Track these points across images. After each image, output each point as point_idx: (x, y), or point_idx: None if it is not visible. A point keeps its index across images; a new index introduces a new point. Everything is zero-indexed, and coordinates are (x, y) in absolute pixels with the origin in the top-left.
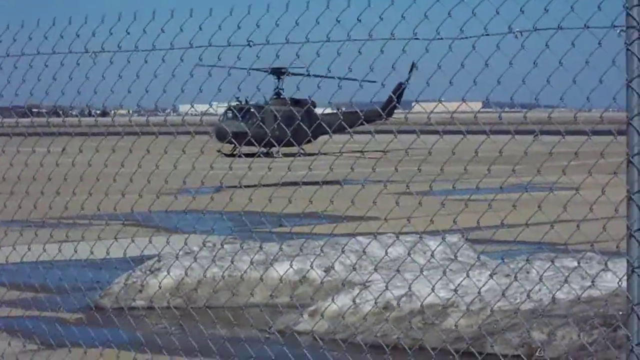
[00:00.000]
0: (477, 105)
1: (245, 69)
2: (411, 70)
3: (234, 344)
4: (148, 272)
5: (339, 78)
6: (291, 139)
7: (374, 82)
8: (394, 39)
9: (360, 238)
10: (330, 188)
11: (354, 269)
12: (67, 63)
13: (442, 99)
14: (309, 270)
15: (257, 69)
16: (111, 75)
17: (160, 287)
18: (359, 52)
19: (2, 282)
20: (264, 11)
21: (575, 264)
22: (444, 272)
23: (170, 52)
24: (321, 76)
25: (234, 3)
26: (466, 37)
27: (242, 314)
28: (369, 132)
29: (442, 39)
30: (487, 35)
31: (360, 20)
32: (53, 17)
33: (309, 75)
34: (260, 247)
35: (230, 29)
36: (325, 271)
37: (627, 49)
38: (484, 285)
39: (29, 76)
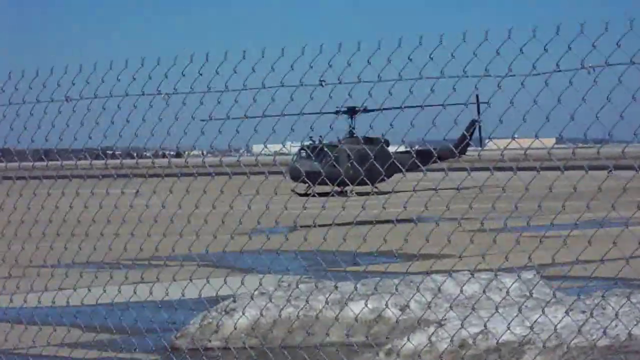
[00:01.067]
0: (550, 142)
1: (321, 111)
2: (478, 107)
3: None
4: (223, 312)
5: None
6: (365, 178)
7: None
8: (467, 76)
9: (435, 276)
10: (404, 226)
11: (429, 307)
12: (140, 105)
13: (516, 136)
14: (384, 309)
15: (332, 112)
16: (185, 116)
17: (235, 328)
18: (431, 90)
19: (78, 324)
20: (336, 50)
21: None
22: (520, 309)
23: (243, 93)
24: (393, 107)
25: (306, 42)
26: (538, 74)
27: (317, 354)
28: (443, 170)
29: (514, 75)
30: (559, 71)
31: (432, 59)
32: (125, 59)
33: (381, 109)
34: (335, 287)
35: (303, 69)
36: (400, 310)
37: None
38: (560, 322)
39: (102, 119)
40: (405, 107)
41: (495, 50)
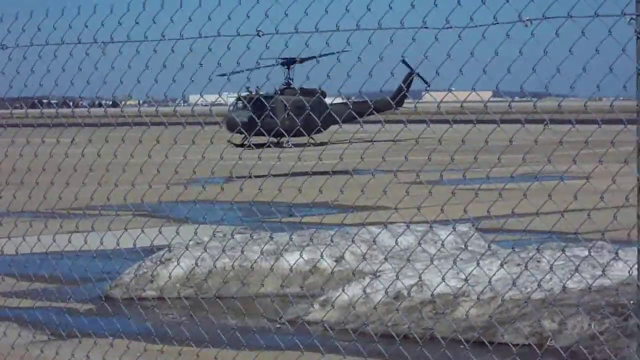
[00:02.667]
0: (487, 95)
1: (262, 61)
2: (406, 63)
3: (244, 334)
4: (158, 262)
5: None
6: (301, 129)
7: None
8: (404, 28)
9: (370, 228)
10: (340, 178)
11: (365, 258)
12: (76, 54)
13: (452, 89)
14: (319, 260)
15: (267, 66)
16: (120, 65)
17: (170, 278)
18: (369, 41)
19: (12, 273)
20: (273, 1)
21: (586, 253)
22: (455, 262)
23: (180, 42)
24: (328, 53)
25: None
26: (476, 26)
27: (252, 304)
28: (379, 122)
29: (451, 27)
30: (497, 23)
31: (369, 9)
32: (62, 7)
33: (317, 56)
34: (271, 237)
35: (240, 18)
36: (335, 261)
37: (637, 37)
38: (494, 275)
39: (38, 67)
40: (340, 54)
41: (433, 2)
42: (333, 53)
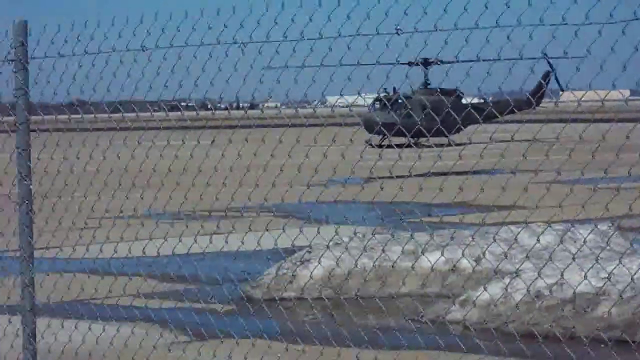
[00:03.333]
0: (626, 92)
1: (392, 63)
2: (547, 60)
3: (385, 333)
4: (299, 262)
5: (486, 60)
6: (440, 128)
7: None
8: (543, 25)
9: (510, 227)
10: (480, 177)
11: (505, 257)
12: (215, 54)
13: (592, 86)
14: (459, 260)
15: (404, 63)
16: (259, 66)
17: (311, 278)
18: (508, 38)
19: (154, 274)
20: (412, 0)
21: None
22: (596, 260)
23: (319, 42)
24: (469, 60)
25: None
26: (615, 22)
27: (392, 304)
28: (519, 121)
29: (591, 23)
30: (638, 19)
31: (508, 6)
32: (200, 8)
33: (457, 61)
34: (411, 237)
35: (380, 17)
36: (475, 260)
37: None
38: (636, 273)
39: (178, 68)
40: (482, 59)
41: None
42: (472, 60)
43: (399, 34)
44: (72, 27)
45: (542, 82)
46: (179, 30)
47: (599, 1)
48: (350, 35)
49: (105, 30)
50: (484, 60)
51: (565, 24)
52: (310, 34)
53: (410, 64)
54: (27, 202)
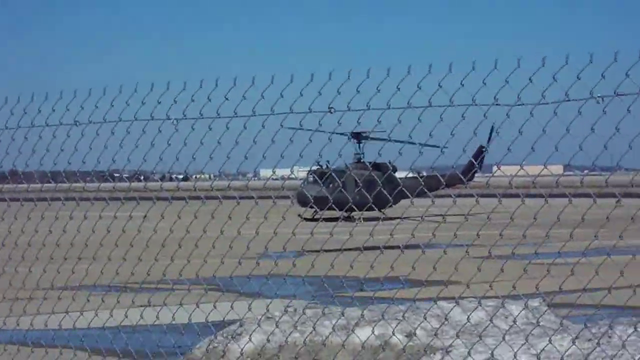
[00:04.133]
0: (558, 169)
1: (327, 132)
2: (491, 134)
3: None
4: (230, 337)
5: (420, 144)
6: (372, 204)
7: (439, 147)
8: (475, 104)
9: (442, 303)
10: (412, 253)
11: (436, 334)
12: (149, 130)
13: (524, 163)
14: (391, 336)
15: (339, 133)
16: (193, 141)
17: (242, 353)
18: (441, 118)
19: (84, 347)
20: (345, 78)
21: None
22: (526, 338)
23: (253, 119)
24: (402, 141)
25: (314, 70)
26: (547, 103)
27: None
28: (450, 196)
29: (523, 104)
30: (569, 100)
31: (441, 86)
32: (135, 84)
33: (389, 140)
34: (342, 313)
35: (312, 95)
36: (407, 336)
37: None
38: (566, 351)
39: (111, 142)
40: (410, 142)
41: (504, 79)
42: (406, 141)
43: (332, 112)
44: (5, 101)
45: (473, 160)
46: (112, 106)
47: (531, 82)
48: (283, 113)
49: (39, 105)
50: (410, 143)
51: (498, 104)
52: (244, 112)
53: (342, 134)
54: None
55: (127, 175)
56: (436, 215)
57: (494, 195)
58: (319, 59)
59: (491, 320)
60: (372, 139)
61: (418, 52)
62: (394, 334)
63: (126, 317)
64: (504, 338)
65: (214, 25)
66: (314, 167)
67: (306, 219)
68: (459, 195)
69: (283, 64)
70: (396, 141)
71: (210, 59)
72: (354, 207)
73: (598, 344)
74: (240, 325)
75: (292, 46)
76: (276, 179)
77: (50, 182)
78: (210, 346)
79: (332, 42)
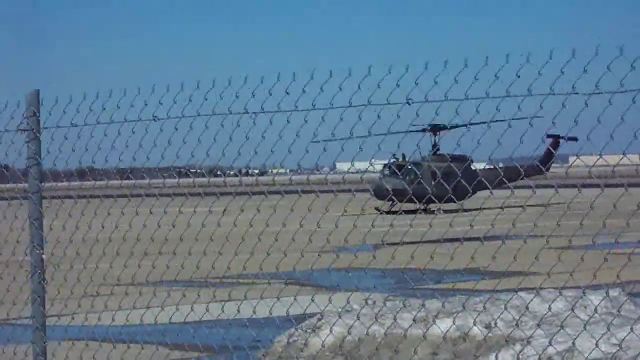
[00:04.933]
0: (637, 158)
1: (402, 132)
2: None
3: None
4: (310, 330)
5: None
6: (451, 195)
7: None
8: (553, 94)
9: (522, 294)
10: (491, 244)
11: (516, 324)
12: (227, 124)
13: (602, 153)
14: (471, 327)
15: (417, 127)
16: (271, 135)
17: (322, 346)
18: (519, 107)
19: (165, 342)
20: (422, 69)
21: None
22: (607, 327)
23: (330, 111)
24: (480, 122)
25: (392, 62)
26: (625, 91)
27: None
28: (530, 187)
29: (601, 92)
30: None
31: (519, 76)
32: (212, 78)
33: (468, 128)
34: (422, 304)
35: (390, 86)
36: (486, 327)
37: None
38: None
39: (190, 137)
40: (491, 121)
41: (582, 68)
42: (485, 122)
43: (410, 104)
44: (84, 97)
45: (551, 149)
46: (190, 101)
47: (609, 70)
48: (360, 105)
49: (117, 101)
50: (492, 122)
51: (576, 93)
52: (321, 104)
53: (421, 130)
54: (39, 271)
55: (205, 171)
56: (516, 206)
57: (573, 185)
58: (395, 52)
59: (572, 310)
60: (449, 127)
61: (494, 43)
62: (475, 324)
63: (207, 311)
64: (584, 328)
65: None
66: (392, 160)
67: (384, 212)
68: (538, 186)
69: (359, 56)
70: (473, 124)
71: (287, 51)
72: (432, 198)
73: None
74: (321, 318)
75: (368, 39)
76: (354, 172)
77: (129, 179)
78: (291, 339)
79: (411, 34)
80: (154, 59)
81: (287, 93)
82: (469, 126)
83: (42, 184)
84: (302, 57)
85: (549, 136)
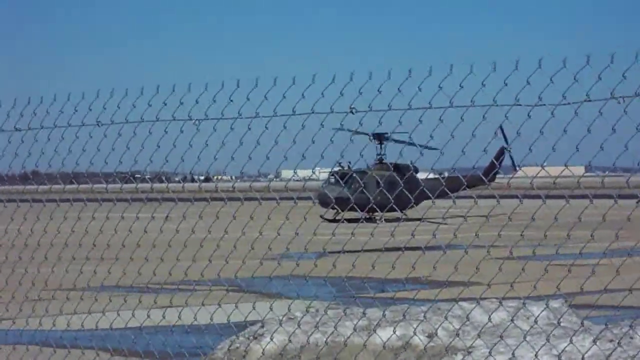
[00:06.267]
0: (579, 170)
1: (350, 130)
2: (503, 134)
3: None
4: (251, 337)
5: (436, 149)
6: (394, 205)
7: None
8: (497, 105)
9: (463, 303)
10: (433, 253)
11: (457, 334)
12: (171, 130)
13: (545, 164)
14: (412, 336)
15: (361, 133)
16: (215, 142)
17: (263, 353)
18: (462, 118)
19: (106, 347)
20: (366, 78)
21: None
22: (548, 338)
23: (274, 119)
24: (422, 146)
25: (336, 70)
26: (568, 103)
27: None
28: (472, 197)
29: (544, 105)
30: (589, 100)
31: (462, 87)
32: (156, 84)
33: (412, 143)
34: (364, 313)
35: (333, 96)
36: (428, 337)
37: None
38: (587, 351)
39: (133, 143)
40: (428, 146)
41: (525, 79)
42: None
43: (353, 113)
44: (28, 102)
45: (495, 161)
46: (134, 107)
47: (552, 82)
48: (304, 114)
49: (61, 106)
50: (435, 148)
51: (519, 104)
52: (265, 112)
53: (365, 134)
54: None
55: (149, 176)
56: (457, 216)
57: (515, 196)
58: (340, 60)
59: (512, 321)
60: (395, 140)
61: (438, 52)
62: (415, 334)
63: (148, 317)
64: (525, 338)
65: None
66: (336, 168)
67: (327, 220)
68: (480, 196)
69: (306, 64)
70: (417, 145)
71: (232, 59)
72: (375, 207)
73: (619, 344)
74: (262, 326)
75: (316, 47)
76: (298, 180)
77: (72, 183)
78: (232, 346)
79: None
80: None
81: (231, 100)
82: (410, 137)
83: None
84: (246, 64)
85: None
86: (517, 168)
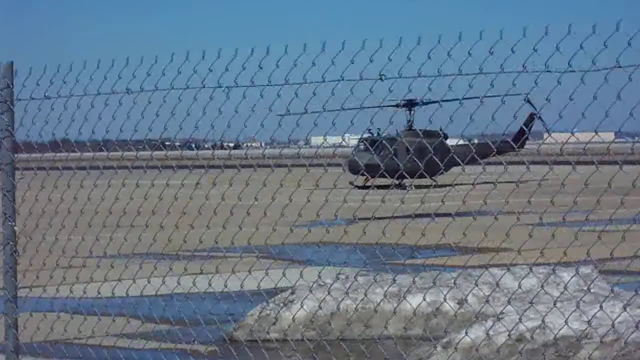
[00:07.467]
0: (609, 136)
1: (376, 106)
2: (530, 102)
3: None
4: (282, 304)
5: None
6: (423, 171)
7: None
8: (526, 71)
9: (493, 270)
10: (463, 220)
11: (487, 301)
12: (201, 98)
13: (575, 130)
14: (442, 303)
15: (389, 105)
16: (244, 109)
17: (293, 320)
18: (491, 84)
19: (137, 315)
20: (396, 45)
21: None
22: (578, 304)
23: (304, 86)
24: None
25: (366, 36)
26: (598, 70)
27: (375, 347)
28: (502, 164)
29: (574, 71)
30: (620, 67)
31: (492, 53)
32: (186, 51)
33: (441, 104)
34: (394, 280)
35: (363, 62)
36: (458, 303)
37: None
38: (617, 317)
39: (163, 111)
40: (464, 98)
41: (555, 45)
42: (457, 99)
43: (382, 80)
44: (58, 70)
45: (524, 127)
46: (164, 74)
47: (582, 49)
48: (334, 80)
49: (91, 73)
50: (463, 99)
51: (549, 71)
52: (295, 79)
53: (395, 106)
54: (11, 242)
55: (179, 144)
56: (487, 182)
57: (545, 162)
58: (370, 27)
59: (542, 287)
60: (423, 103)
61: (468, 18)
62: (445, 300)
63: (179, 284)
64: (555, 305)
65: None
66: (366, 135)
67: (357, 187)
68: (510, 163)
69: (334, 31)
70: (445, 101)
71: (260, 25)
72: (405, 174)
73: None
74: (292, 293)
75: (342, 14)
76: (328, 147)
77: (102, 151)
78: (263, 313)
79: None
80: (132, 30)
81: (261, 67)
82: (441, 102)
83: (15, 155)
84: (277, 31)
85: (528, 101)
86: (548, 130)
